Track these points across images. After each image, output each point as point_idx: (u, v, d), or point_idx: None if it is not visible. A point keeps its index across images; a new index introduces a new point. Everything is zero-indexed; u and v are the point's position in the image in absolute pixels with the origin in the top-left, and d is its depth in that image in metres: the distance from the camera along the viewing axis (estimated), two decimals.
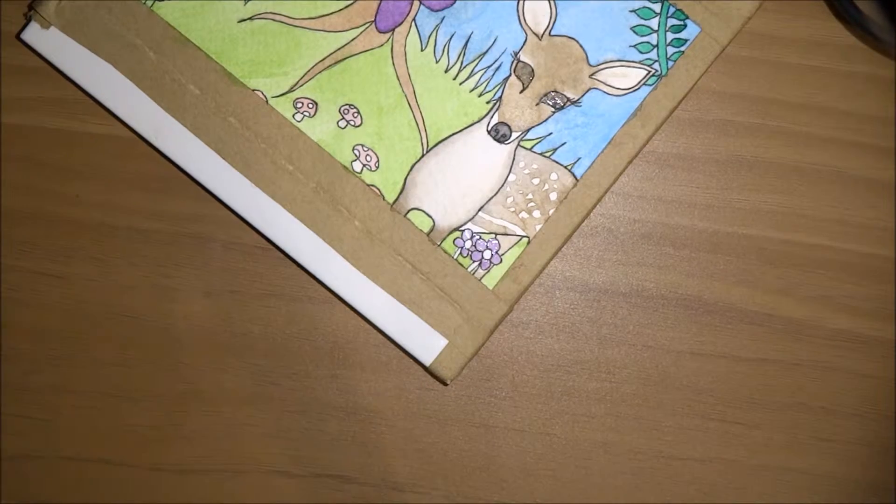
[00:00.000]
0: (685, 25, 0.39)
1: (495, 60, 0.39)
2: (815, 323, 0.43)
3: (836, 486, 0.44)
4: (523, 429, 0.44)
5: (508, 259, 0.39)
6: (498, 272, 0.39)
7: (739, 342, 0.44)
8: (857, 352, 0.43)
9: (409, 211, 0.39)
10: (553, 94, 0.39)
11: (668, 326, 0.44)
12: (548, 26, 0.39)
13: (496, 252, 0.39)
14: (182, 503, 0.44)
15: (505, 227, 0.39)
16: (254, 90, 0.40)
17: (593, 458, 0.44)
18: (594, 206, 0.39)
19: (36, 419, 0.45)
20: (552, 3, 0.39)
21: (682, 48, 0.39)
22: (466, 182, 0.39)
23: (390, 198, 0.40)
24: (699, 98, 0.43)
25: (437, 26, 0.39)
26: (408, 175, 0.39)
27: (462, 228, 0.39)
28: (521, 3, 0.39)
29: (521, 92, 0.39)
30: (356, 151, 0.40)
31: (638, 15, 0.39)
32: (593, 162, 0.39)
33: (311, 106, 0.40)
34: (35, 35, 0.40)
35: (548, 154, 0.39)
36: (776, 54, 0.43)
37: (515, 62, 0.39)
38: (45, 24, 0.40)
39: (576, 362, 0.44)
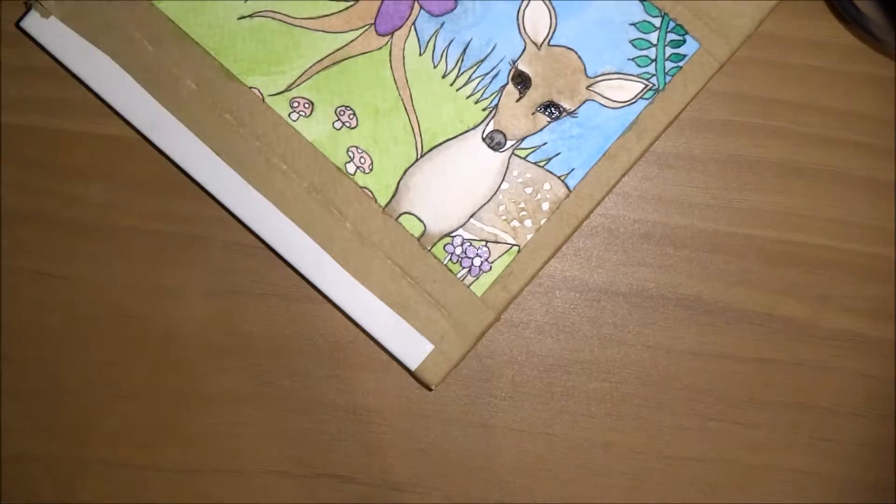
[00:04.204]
0: (684, 41, 0.39)
1: (493, 68, 0.39)
2: (815, 323, 0.43)
3: (836, 486, 0.44)
4: (523, 429, 0.44)
5: (498, 267, 0.39)
6: (487, 280, 0.39)
7: (739, 342, 0.44)
8: (857, 352, 0.43)
9: (400, 215, 0.39)
10: (549, 104, 0.39)
11: (668, 326, 0.44)
12: (547, 36, 0.39)
13: (486, 259, 0.39)
14: (182, 503, 0.45)
15: (496, 234, 0.39)
16: (251, 88, 0.40)
17: (593, 458, 0.44)
18: (586, 217, 0.39)
19: (36, 419, 0.45)
20: (552, 12, 0.39)
21: (681, 63, 0.38)
22: (459, 188, 0.39)
23: (382, 201, 0.39)
24: (699, 98, 0.43)
25: (437, 31, 0.39)
26: (401, 179, 0.39)
27: (453, 234, 0.39)
28: (520, 11, 0.39)
29: (517, 100, 0.39)
30: (350, 153, 0.39)
31: (637, 28, 0.39)
32: (587, 173, 0.39)
33: (307, 106, 0.40)
34: (34, 24, 0.40)
35: (542, 164, 0.39)
36: (776, 54, 0.43)
37: (513, 70, 0.39)
38: (45, 14, 0.40)
39: (576, 362, 0.44)
